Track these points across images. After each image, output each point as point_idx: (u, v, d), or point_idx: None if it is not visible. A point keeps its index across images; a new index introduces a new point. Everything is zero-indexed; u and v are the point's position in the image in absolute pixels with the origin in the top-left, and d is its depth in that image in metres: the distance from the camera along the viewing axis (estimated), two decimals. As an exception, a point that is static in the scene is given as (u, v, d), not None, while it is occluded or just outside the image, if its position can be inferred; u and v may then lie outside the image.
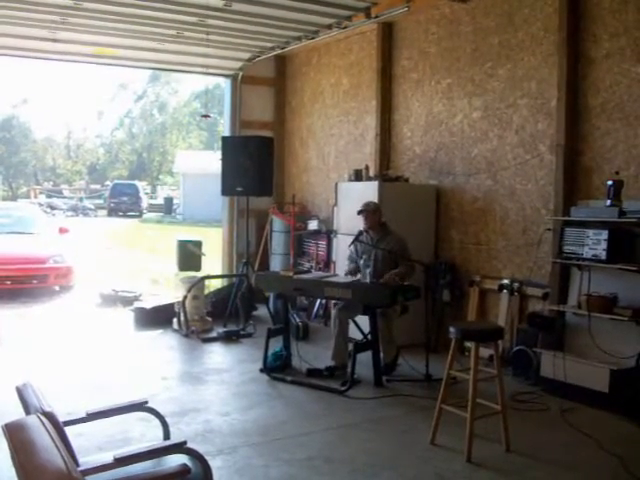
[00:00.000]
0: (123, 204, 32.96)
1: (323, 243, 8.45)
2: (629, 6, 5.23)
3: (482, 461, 3.88)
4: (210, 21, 6.92)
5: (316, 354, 6.23)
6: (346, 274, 6.07)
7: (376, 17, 6.96)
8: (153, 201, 39.01)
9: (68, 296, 9.92)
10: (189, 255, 8.15)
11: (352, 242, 5.96)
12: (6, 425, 1.94)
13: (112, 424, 3.62)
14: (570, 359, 5.10)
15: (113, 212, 32.69)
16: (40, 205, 26.37)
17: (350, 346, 5.60)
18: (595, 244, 4.95)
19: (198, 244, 8.26)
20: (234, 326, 7.54)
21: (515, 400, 4.99)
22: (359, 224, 6.00)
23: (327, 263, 8.26)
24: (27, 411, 2.30)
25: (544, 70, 5.92)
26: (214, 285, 9.31)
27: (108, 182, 40.24)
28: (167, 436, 3.02)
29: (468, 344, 5.44)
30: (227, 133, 9.63)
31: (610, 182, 4.97)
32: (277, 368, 5.80)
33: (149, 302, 8.45)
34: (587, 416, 4.71)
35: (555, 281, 5.65)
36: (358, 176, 7.25)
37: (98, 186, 41.44)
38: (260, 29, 7.39)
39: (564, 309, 5.38)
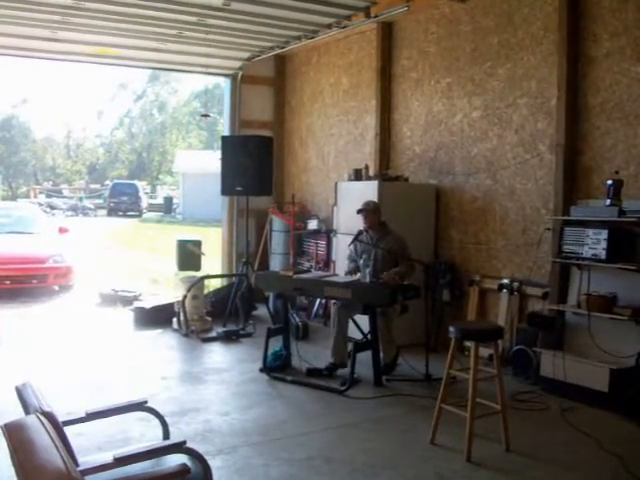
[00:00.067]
0: (123, 204, 32.94)
1: (323, 243, 8.45)
2: (629, 5, 5.23)
3: (482, 461, 3.88)
4: (210, 21, 6.92)
5: (316, 354, 6.23)
6: (346, 274, 6.07)
7: (376, 17, 6.96)
8: (153, 201, 38.98)
9: (68, 296, 9.92)
10: (189, 255, 8.14)
11: (352, 241, 5.96)
12: (5, 425, 1.94)
13: (112, 424, 3.62)
14: (570, 358, 5.10)
15: (113, 212, 32.68)
16: (40, 205, 26.35)
17: (350, 346, 5.60)
18: (595, 243, 4.95)
19: (198, 244, 8.25)
20: (234, 326, 7.54)
21: (515, 400, 4.99)
22: (359, 224, 5.99)
23: (327, 263, 8.26)
24: (26, 411, 2.30)
25: (544, 69, 5.91)
26: (214, 285, 9.31)
27: (108, 182, 40.22)
28: (167, 436, 3.02)
29: (468, 344, 5.44)
30: (227, 133, 9.63)
31: (610, 181, 4.97)
32: (277, 368, 5.80)
33: (149, 302, 8.45)
34: (587, 415, 4.71)
35: (555, 281, 5.65)
36: (358, 176, 7.25)
37: (98, 186, 41.41)
38: (260, 29, 7.38)
39: (564, 309, 5.38)
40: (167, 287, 10.31)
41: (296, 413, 4.81)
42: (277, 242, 9.04)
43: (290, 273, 6.15)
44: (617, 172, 5.05)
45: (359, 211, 5.91)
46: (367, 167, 7.33)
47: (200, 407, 4.88)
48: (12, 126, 43.36)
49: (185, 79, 43.28)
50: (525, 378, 5.55)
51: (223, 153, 8.03)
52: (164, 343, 7.05)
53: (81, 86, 62.45)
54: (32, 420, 1.99)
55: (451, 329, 4.17)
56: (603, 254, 4.88)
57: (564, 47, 5.60)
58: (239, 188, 7.83)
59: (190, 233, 16.34)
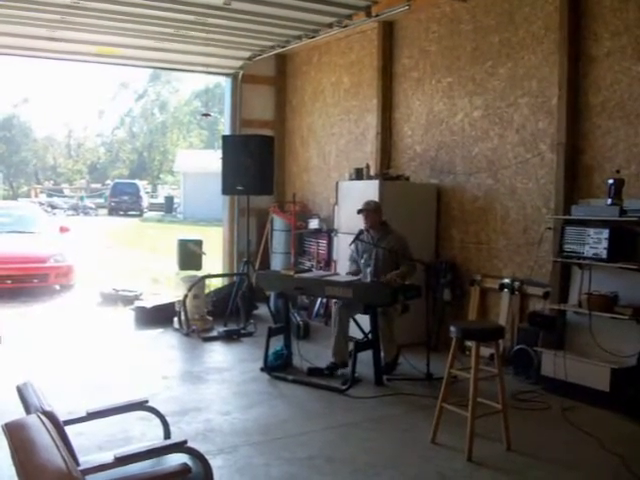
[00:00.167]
0: (124, 203, 32.95)
1: (324, 242, 8.45)
2: (630, 4, 5.22)
3: (483, 460, 3.88)
4: (210, 20, 6.92)
5: (317, 353, 6.23)
6: (347, 275, 6.06)
7: (377, 16, 6.96)
8: (154, 200, 39.01)
9: (69, 295, 9.92)
10: (190, 254, 8.15)
11: (353, 241, 5.96)
12: (6, 424, 1.94)
13: (112, 423, 3.63)
14: (571, 358, 5.10)
15: (114, 211, 32.69)
16: (41, 204, 26.32)
17: (351, 345, 5.60)
18: (596, 243, 4.94)
19: (199, 243, 8.25)
20: (235, 325, 7.54)
21: (516, 399, 4.99)
22: (360, 223, 5.99)
23: (328, 262, 8.26)
24: (27, 410, 2.30)
25: (545, 69, 5.91)
26: (215, 284, 9.31)
27: (109, 181, 40.23)
28: (167, 435, 3.02)
29: (469, 343, 5.43)
30: (228, 132, 9.63)
31: (611, 181, 4.96)
32: (278, 367, 5.80)
33: (150, 301, 8.46)
34: (588, 415, 4.71)
35: (556, 280, 5.64)
36: (359, 175, 7.24)
37: (99, 185, 41.43)
38: (260, 28, 7.38)
39: (565, 308, 5.38)
40: (168, 286, 10.31)
41: (297, 412, 4.81)
42: (278, 241, 9.04)
43: (291, 272, 6.15)
44: (618, 171, 5.05)
45: (360, 211, 5.90)
46: (368, 166, 7.33)
47: (201, 406, 4.88)
48: (13, 125, 43.41)
49: (186, 78, 43.30)
50: (526, 377, 5.54)
51: (224, 152, 8.03)
52: (165, 342, 7.05)
53: (82, 85, 62.55)
54: (33, 420, 1.99)
55: (452, 328, 4.17)
56: (604, 253, 4.87)
57: (565, 46, 5.59)
58: (240, 187, 7.83)
59: (191, 232, 16.33)
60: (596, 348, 5.01)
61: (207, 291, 8.30)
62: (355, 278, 5.71)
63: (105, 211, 33.45)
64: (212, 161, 18.00)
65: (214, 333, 7.36)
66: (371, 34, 8.00)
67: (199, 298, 7.64)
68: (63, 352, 6.50)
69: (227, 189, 8.07)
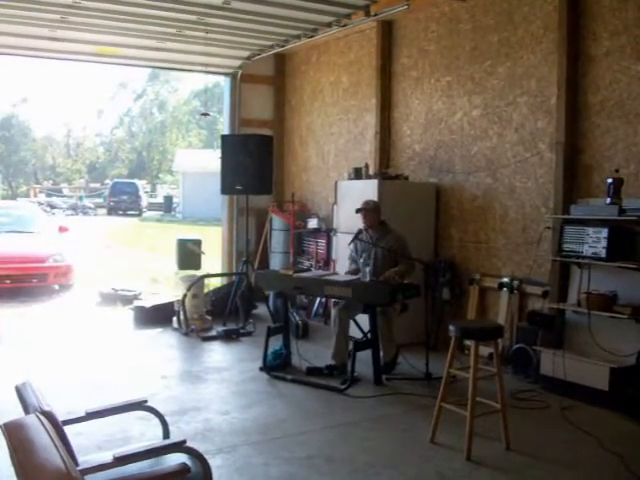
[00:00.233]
0: (123, 203, 32.94)
1: (323, 241, 8.45)
2: (629, 4, 5.22)
3: (482, 459, 3.88)
4: (209, 19, 6.91)
5: (316, 353, 6.23)
6: (346, 274, 6.06)
7: (375, 15, 6.95)
8: (153, 200, 38.99)
9: (68, 295, 9.92)
10: (189, 254, 8.14)
11: (352, 240, 5.96)
12: (5, 424, 1.94)
13: (111, 423, 3.63)
14: (570, 357, 5.10)
15: (113, 211, 32.68)
16: (40, 204, 26.34)
17: (350, 345, 5.60)
18: (595, 242, 4.94)
19: (198, 243, 8.25)
20: (234, 325, 7.54)
21: (515, 398, 4.99)
22: (359, 222, 5.99)
23: (327, 261, 8.26)
24: (26, 410, 2.30)
25: (544, 68, 5.91)
26: (214, 284, 9.31)
27: (108, 181, 40.22)
28: (167, 435, 3.02)
29: (468, 342, 5.44)
30: (226, 131, 9.63)
31: (610, 180, 4.96)
32: (277, 367, 5.80)
33: (149, 301, 8.46)
34: (587, 414, 4.71)
35: (555, 279, 5.64)
36: (358, 174, 7.24)
37: (98, 185, 41.41)
38: (259, 27, 7.37)
39: (564, 307, 5.38)
40: (167, 286, 10.31)
41: (296, 412, 4.81)
42: (277, 241, 9.04)
43: (290, 272, 6.14)
44: (617, 170, 5.05)
45: (358, 210, 5.90)
46: (367, 166, 7.33)
47: (200, 406, 4.88)
48: (12, 125, 43.39)
49: (185, 78, 43.29)
50: (525, 377, 5.55)
51: (223, 152, 8.02)
52: (164, 342, 7.05)
53: (81, 85, 62.55)
54: (32, 419, 1.99)
55: (451, 328, 4.17)
56: (603, 253, 4.88)
57: (564, 46, 5.59)
58: (239, 187, 7.83)
59: (190, 232, 16.35)
60: (595, 347, 5.01)
61: (206, 291, 8.30)
62: (354, 277, 5.71)
63: (104, 211, 33.43)
64: (211, 161, 17.97)
65: (213, 333, 7.36)
66: (370, 33, 8.00)
67: (198, 298, 7.64)
68: (62, 352, 6.49)
69: (226, 189, 8.06)
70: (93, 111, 53.17)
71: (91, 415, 2.81)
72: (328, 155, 8.98)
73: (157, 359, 6.31)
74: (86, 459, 2.51)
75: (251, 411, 4.80)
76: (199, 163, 30.00)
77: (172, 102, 46.41)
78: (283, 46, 8.28)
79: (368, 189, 6.68)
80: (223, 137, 8.53)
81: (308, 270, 6.96)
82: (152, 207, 35.85)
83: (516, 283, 6.00)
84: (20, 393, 2.40)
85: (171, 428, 3.16)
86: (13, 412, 2.39)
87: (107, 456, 2.30)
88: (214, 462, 3.56)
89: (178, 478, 2.26)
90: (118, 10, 6.54)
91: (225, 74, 9.65)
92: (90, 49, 8.16)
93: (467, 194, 6.75)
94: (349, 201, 6.89)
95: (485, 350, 5.53)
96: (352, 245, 6.03)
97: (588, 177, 5.55)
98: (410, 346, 6.06)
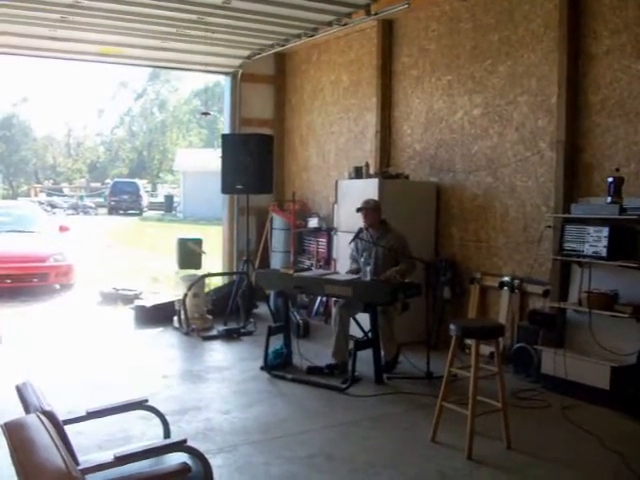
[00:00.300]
0: (123, 202, 32.94)
1: (323, 241, 8.45)
2: (629, 3, 5.21)
3: (483, 458, 3.88)
4: (210, 19, 6.91)
5: (317, 352, 6.23)
6: (347, 273, 6.06)
7: (376, 14, 6.95)
8: (153, 199, 39.01)
9: (68, 294, 9.92)
10: (189, 253, 8.14)
11: (352, 239, 5.96)
12: (6, 424, 1.94)
13: (112, 423, 3.63)
14: (571, 356, 5.09)
15: (113, 210, 32.67)
16: (40, 203, 26.35)
17: (351, 344, 5.60)
18: (596, 241, 4.94)
19: (198, 242, 8.25)
20: (235, 324, 7.54)
21: (516, 397, 4.99)
22: (359, 221, 5.99)
23: (327, 261, 8.26)
24: (27, 410, 2.30)
25: (544, 67, 5.90)
26: (214, 283, 9.31)
27: (108, 180, 40.24)
28: (167, 434, 3.02)
29: (469, 341, 5.43)
30: (227, 131, 9.62)
31: (610, 179, 4.96)
32: (278, 366, 5.80)
33: (149, 300, 8.46)
34: (588, 413, 4.71)
35: (556, 278, 5.64)
36: (358, 173, 7.24)
37: (98, 184, 41.40)
38: (260, 26, 7.37)
39: (565, 306, 5.37)
40: (168, 285, 10.31)
41: (297, 411, 4.81)
42: (278, 240, 9.03)
43: (291, 271, 6.14)
44: (618, 169, 5.04)
45: (359, 209, 5.90)
46: (367, 165, 7.32)
47: (201, 405, 4.88)
48: (12, 125, 43.42)
49: (185, 77, 43.35)
50: (526, 376, 5.54)
51: (223, 151, 8.03)
52: (165, 341, 7.05)
53: (82, 84, 62.58)
54: (32, 419, 1.98)
55: (452, 327, 4.16)
56: (604, 252, 4.87)
57: (564, 44, 5.59)
58: (239, 186, 7.83)
59: (191, 231, 16.34)
60: (596, 346, 5.00)
61: (207, 290, 8.30)
62: (355, 277, 5.71)
63: (105, 210, 33.44)
64: (212, 160, 17.99)
65: (214, 332, 7.36)
66: (370, 32, 7.99)
67: (199, 297, 7.64)
68: (63, 351, 6.50)
69: (227, 188, 8.06)
70: (94, 111, 53.29)
71: (92, 415, 2.81)
72: (328, 154, 8.97)
73: (158, 358, 6.31)
74: (87, 458, 2.51)
75: (252, 410, 4.80)
76: (200, 162, 30.01)
77: (173, 101, 46.44)
78: (283, 45, 8.28)
79: (368, 188, 6.68)
80: (223, 136, 8.53)
81: (309, 269, 6.95)
82: (153, 206, 35.87)
83: (517, 282, 6.00)
84: (21, 393, 2.40)
85: (172, 427, 3.16)
86: (14, 412, 2.39)
87: (108, 455, 2.30)
88: (215, 461, 3.56)
89: (179, 477, 2.26)
90: (118, 10, 6.55)
91: (225, 73, 9.65)
92: (91, 49, 8.17)
93: (468, 193, 6.75)
94: (349, 200, 6.89)
95: (486, 349, 5.53)
96: (353, 244, 6.03)
97: (589, 176, 5.55)
98: (411, 345, 6.06)
